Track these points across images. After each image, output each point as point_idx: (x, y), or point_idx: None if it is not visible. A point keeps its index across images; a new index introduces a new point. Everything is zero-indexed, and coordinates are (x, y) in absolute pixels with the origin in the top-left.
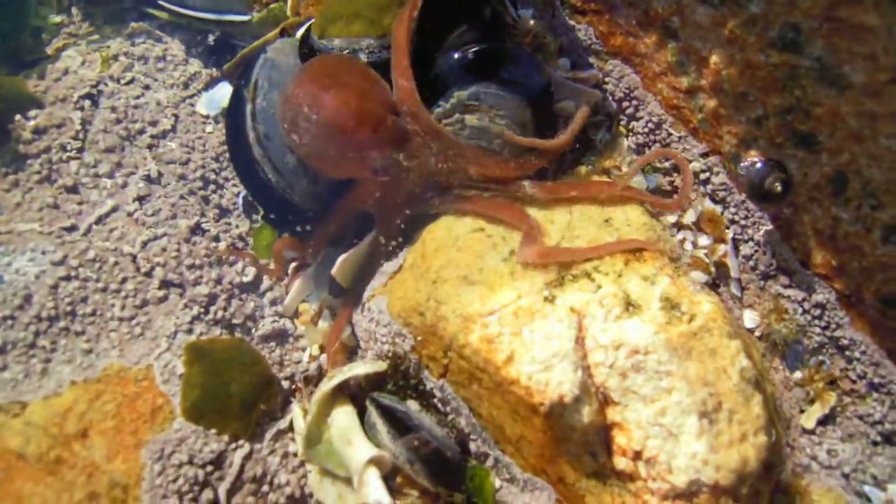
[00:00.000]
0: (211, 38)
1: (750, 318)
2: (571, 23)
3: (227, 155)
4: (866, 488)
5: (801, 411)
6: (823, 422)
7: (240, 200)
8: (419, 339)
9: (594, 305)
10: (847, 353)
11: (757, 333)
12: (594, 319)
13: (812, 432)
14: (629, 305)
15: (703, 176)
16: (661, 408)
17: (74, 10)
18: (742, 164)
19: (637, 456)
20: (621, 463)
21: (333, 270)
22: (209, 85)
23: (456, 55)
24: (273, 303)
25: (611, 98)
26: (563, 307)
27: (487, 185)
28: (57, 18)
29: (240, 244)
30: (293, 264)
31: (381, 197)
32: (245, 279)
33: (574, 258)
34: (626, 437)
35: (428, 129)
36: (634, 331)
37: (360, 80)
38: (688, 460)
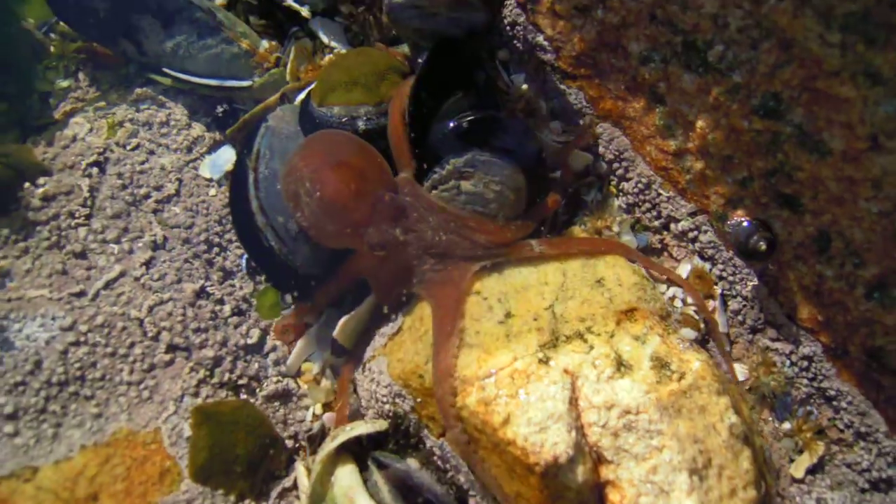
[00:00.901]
0: (220, 110)
1: (739, 371)
2: (562, 87)
3: (229, 217)
4: None
5: (791, 461)
6: (812, 471)
7: (243, 262)
8: (419, 400)
9: (587, 367)
10: (834, 403)
11: (746, 386)
12: (587, 380)
13: (802, 481)
14: (621, 366)
15: (691, 234)
16: (652, 466)
17: (81, 76)
18: (729, 223)
19: None
20: None
21: (335, 332)
22: (212, 149)
23: (451, 124)
24: (276, 363)
25: (601, 160)
26: (556, 369)
27: (492, 250)
28: (64, 83)
29: (244, 306)
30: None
31: (378, 267)
32: (249, 341)
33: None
34: (619, 494)
35: (429, 207)
36: (626, 391)
37: (360, 158)
38: None
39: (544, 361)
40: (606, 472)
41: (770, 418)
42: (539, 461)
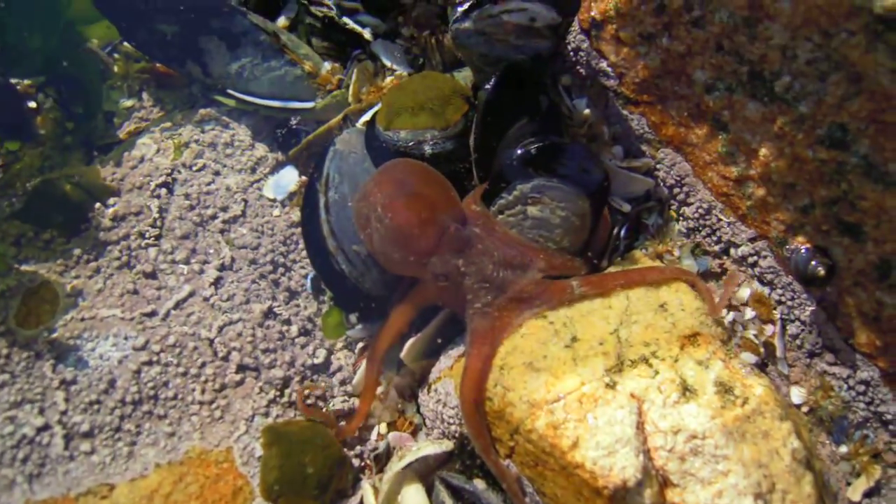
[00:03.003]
0: (280, 133)
1: (797, 395)
2: (625, 112)
3: (293, 238)
4: None
5: (848, 484)
6: (869, 494)
7: (308, 282)
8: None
9: (653, 391)
10: (891, 427)
11: (804, 409)
12: (653, 405)
13: None
14: (686, 390)
15: (751, 259)
16: (718, 490)
17: (145, 95)
18: (788, 248)
19: None
20: None
21: (402, 354)
22: (275, 169)
23: (519, 151)
24: (342, 383)
25: (662, 184)
26: (623, 393)
27: (539, 295)
28: (128, 103)
29: (309, 326)
30: (360, 344)
31: (440, 298)
32: (316, 361)
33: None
34: None
35: (496, 238)
36: (692, 416)
37: (433, 188)
38: None
39: (611, 386)
40: (672, 496)
41: (827, 441)
42: (608, 484)
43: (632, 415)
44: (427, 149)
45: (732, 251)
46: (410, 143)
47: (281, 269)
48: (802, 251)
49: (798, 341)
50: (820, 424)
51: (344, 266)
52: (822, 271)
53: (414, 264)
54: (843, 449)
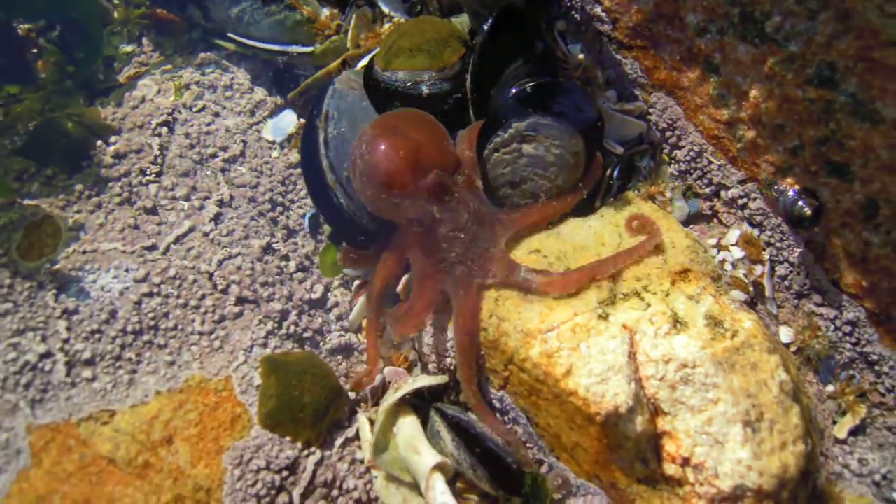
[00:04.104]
0: (281, 61)
1: (785, 335)
2: (618, 57)
3: (292, 178)
4: (895, 496)
5: (834, 422)
6: (855, 432)
7: (305, 221)
8: (481, 352)
9: (645, 323)
10: (876, 367)
11: (792, 349)
12: (645, 336)
13: (844, 442)
14: (677, 323)
15: (741, 201)
16: (707, 417)
17: (145, 41)
18: (775, 188)
19: (685, 462)
20: (670, 469)
21: (399, 288)
22: (274, 112)
23: (514, 90)
24: (339, 318)
25: (655, 128)
26: (615, 324)
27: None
28: (128, 48)
29: (307, 263)
30: (356, 282)
31: (416, 244)
32: (314, 296)
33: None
34: (675, 444)
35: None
36: (682, 346)
37: (423, 133)
38: (733, 466)
39: (604, 317)
40: (663, 424)
41: (814, 381)
42: (600, 411)
43: (624, 344)
44: (424, 89)
45: (723, 193)
46: (408, 84)
47: (279, 208)
48: (790, 192)
49: (787, 282)
50: (807, 364)
51: (342, 200)
52: (808, 211)
53: (386, 204)
54: (830, 388)
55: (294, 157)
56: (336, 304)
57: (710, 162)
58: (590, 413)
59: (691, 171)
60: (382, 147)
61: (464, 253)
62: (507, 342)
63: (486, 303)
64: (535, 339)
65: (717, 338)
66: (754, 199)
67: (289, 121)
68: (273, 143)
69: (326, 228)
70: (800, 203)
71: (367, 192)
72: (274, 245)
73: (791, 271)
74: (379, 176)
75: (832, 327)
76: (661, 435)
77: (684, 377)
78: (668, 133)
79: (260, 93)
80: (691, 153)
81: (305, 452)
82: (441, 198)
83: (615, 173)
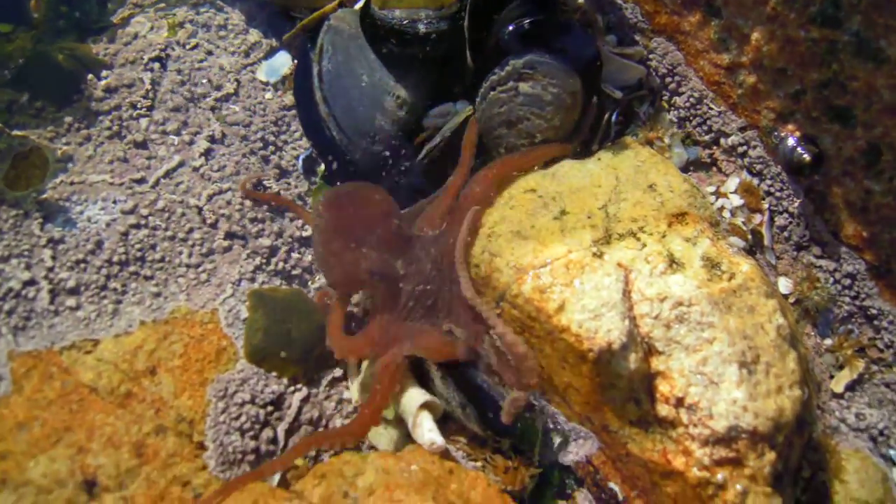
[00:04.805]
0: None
1: (784, 286)
2: (618, 1)
3: (285, 119)
4: (892, 452)
5: (831, 376)
6: (852, 387)
7: (299, 162)
8: None
9: (640, 262)
10: (875, 322)
11: (790, 300)
12: (640, 274)
13: (841, 396)
14: (673, 263)
15: (740, 149)
16: (702, 357)
17: None
18: (775, 134)
19: (679, 403)
20: (664, 410)
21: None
22: (269, 54)
23: (511, 27)
24: None
25: (654, 74)
26: (610, 262)
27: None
28: None
29: (299, 203)
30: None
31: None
32: (304, 234)
33: None
34: (668, 384)
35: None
36: (678, 285)
37: (373, 193)
38: (728, 406)
39: (598, 255)
40: (657, 363)
41: (812, 333)
42: (593, 347)
43: (618, 282)
44: (421, 27)
45: (722, 141)
46: (405, 22)
47: (272, 147)
48: (789, 139)
49: (786, 233)
50: (806, 316)
51: (335, 133)
52: (808, 158)
53: (352, 253)
54: (828, 342)
55: (288, 99)
56: None
57: (710, 109)
58: (582, 350)
59: (690, 117)
60: (338, 202)
61: (430, 305)
62: (499, 278)
63: (478, 239)
64: (528, 274)
65: (713, 279)
66: (754, 146)
67: (283, 62)
68: (267, 84)
69: (320, 170)
70: (799, 150)
71: (329, 247)
72: (265, 183)
73: (790, 222)
74: (341, 227)
75: (831, 280)
76: (654, 375)
77: (679, 315)
78: (668, 79)
79: (255, 34)
80: (691, 100)
81: (291, 388)
82: (404, 252)
83: (613, 118)
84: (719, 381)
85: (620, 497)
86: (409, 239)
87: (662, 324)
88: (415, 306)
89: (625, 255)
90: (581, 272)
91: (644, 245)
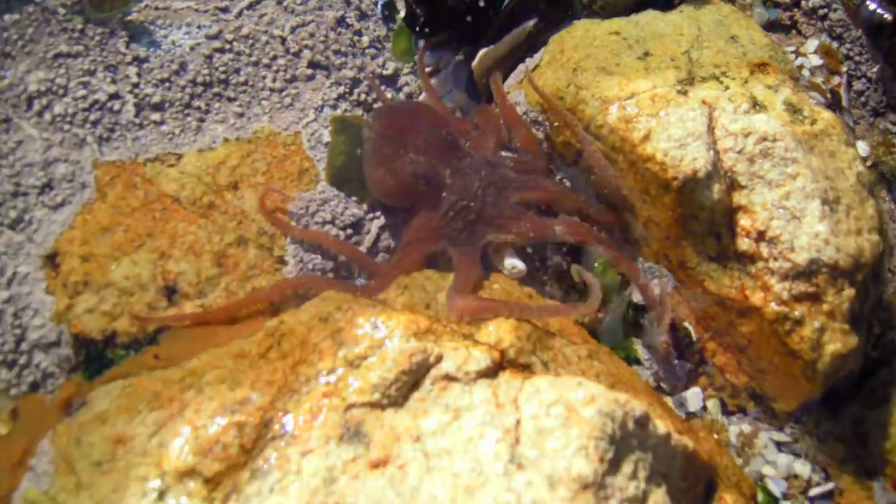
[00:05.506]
0: None
1: (861, 149)
2: None
3: None
4: None
5: None
6: None
7: (378, 8)
8: (555, 125)
9: (724, 100)
10: None
11: (867, 163)
12: (724, 112)
13: None
14: (756, 104)
15: (821, 12)
16: (786, 192)
17: None
18: None
19: (760, 236)
20: (744, 244)
21: (474, 63)
22: None
23: None
24: (408, 97)
25: None
26: (695, 99)
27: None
28: None
29: (378, 45)
30: (428, 68)
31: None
32: (385, 72)
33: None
34: (750, 218)
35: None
36: (763, 122)
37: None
38: (810, 239)
39: (683, 92)
40: (739, 198)
41: (887, 199)
42: (678, 175)
43: (703, 116)
44: None
45: (803, 3)
46: None
47: None
48: (871, 1)
49: (863, 98)
50: (881, 180)
51: None
52: (889, 17)
53: (399, 160)
54: None
55: None
56: (406, 84)
57: None
58: (667, 178)
59: None
60: (388, 111)
61: (474, 218)
62: (585, 109)
63: (564, 74)
64: (614, 104)
65: (795, 122)
66: (835, 9)
67: None
68: None
69: (399, 17)
70: (879, 10)
71: (378, 155)
72: (348, 19)
73: (868, 87)
74: (386, 130)
75: None
76: (735, 210)
77: (763, 150)
78: None
79: None
80: None
81: (371, 215)
82: (452, 160)
83: None
84: (801, 215)
85: (694, 337)
86: (460, 151)
87: (746, 158)
88: (455, 217)
89: (709, 93)
90: (666, 105)
91: (727, 87)
